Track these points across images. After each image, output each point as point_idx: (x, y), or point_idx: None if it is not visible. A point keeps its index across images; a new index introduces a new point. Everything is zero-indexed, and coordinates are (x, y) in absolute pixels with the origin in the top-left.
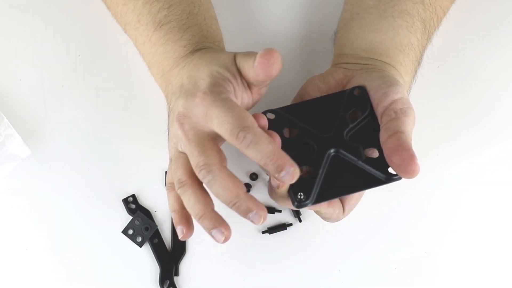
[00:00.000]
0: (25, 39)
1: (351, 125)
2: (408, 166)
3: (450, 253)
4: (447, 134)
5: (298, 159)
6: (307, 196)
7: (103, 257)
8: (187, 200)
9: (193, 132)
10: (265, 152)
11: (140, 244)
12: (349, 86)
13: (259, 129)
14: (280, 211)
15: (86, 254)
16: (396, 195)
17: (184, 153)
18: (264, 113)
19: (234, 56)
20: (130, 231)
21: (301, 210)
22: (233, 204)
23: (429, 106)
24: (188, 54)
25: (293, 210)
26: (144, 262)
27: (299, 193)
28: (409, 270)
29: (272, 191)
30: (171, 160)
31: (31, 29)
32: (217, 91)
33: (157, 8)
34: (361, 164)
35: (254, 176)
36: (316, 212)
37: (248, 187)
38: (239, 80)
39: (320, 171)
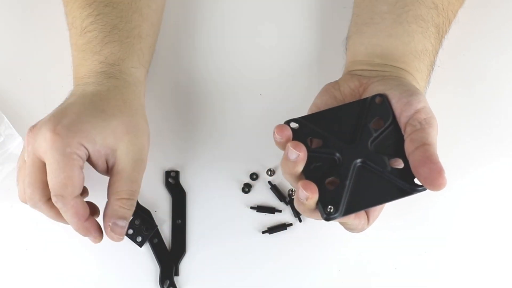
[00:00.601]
0: (25, 39)
1: (374, 135)
2: (436, 180)
3: (450, 253)
4: (447, 135)
5: (324, 171)
6: (336, 209)
7: (103, 257)
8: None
9: (33, 156)
10: (69, 221)
11: (140, 244)
12: (366, 94)
13: (72, 202)
14: (280, 211)
15: (86, 254)
16: None
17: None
18: (287, 122)
19: (115, 150)
20: (130, 231)
21: None
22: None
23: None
24: (102, 73)
25: (293, 210)
26: (144, 262)
27: (329, 206)
28: (409, 270)
29: (299, 203)
30: (24, 148)
31: (31, 29)
32: (67, 141)
33: (85, 14)
34: (387, 174)
35: (254, 176)
36: (342, 223)
37: (248, 187)
38: (101, 163)
39: (347, 182)
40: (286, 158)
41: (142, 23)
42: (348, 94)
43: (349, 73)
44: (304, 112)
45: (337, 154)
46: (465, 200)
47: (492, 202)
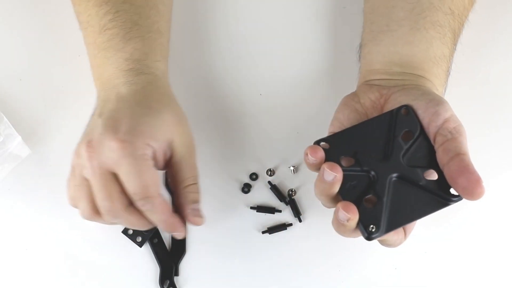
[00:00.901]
0: (25, 39)
1: (405, 147)
2: (475, 189)
3: (450, 253)
4: None
5: (360, 189)
6: (377, 227)
7: (103, 257)
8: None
9: (101, 171)
10: (157, 220)
11: (140, 244)
12: (388, 105)
13: (158, 200)
14: (280, 211)
15: (86, 254)
16: None
17: (87, 182)
18: (317, 142)
19: (172, 142)
20: (130, 231)
21: (301, 210)
22: None
23: None
24: (129, 71)
25: (293, 210)
26: (144, 262)
27: (371, 226)
28: (409, 270)
29: (339, 225)
30: (73, 169)
31: (31, 29)
32: (136, 145)
33: (104, 12)
34: (422, 187)
35: (254, 176)
36: (381, 241)
37: (248, 187)
38: (161, 159)
39: (385, 199)
40: (321, 180)
41: (160, 19)
42: (369, 106)
43: (367, 83)
44: (306, 114)
45: (372, 172)
46: (466, 200)
47: (492, 202)
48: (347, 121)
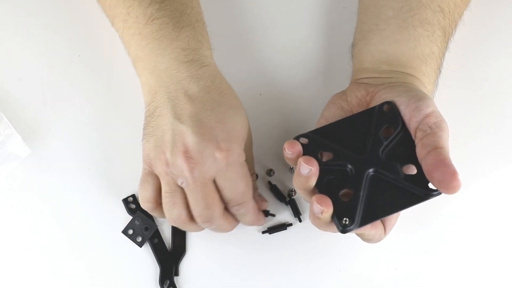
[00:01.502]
0: (25, 39)
1: (385, 143)
2: (450, 182)
3: (450, 253)
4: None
5: (337, 183)
6: (351, 221)
7: (103, 257)
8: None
9: (203, 181)
10: (248, 221)
11: (140, 244)
12: (373, 103)
13: (251, 203)
14: (274, 215)
15: (86, 254)
16: None
17: (182, 189)
18: (297, 138)
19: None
20: (130, 231)
21: (301, 210)
22: None
23: None
24: (190, 63)
25: (293, 210)
26: (144, 262)
27: (344, 219)
28: (409, 270)
29: (314, 218)
30: (149, 174)
31: (31, 29)
32: (236, 152)
33: (148, 2)
34: (400, 182)
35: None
36: (359, 235)
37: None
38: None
39: (361, 193)
40: (298, 173)
41: (200, 10)
42: (355, 104)
43: (356, 82)
44: (306, 114)
45: (349, 166)
46: (465, 200)
47: (492, 202)
48: (332, 118)
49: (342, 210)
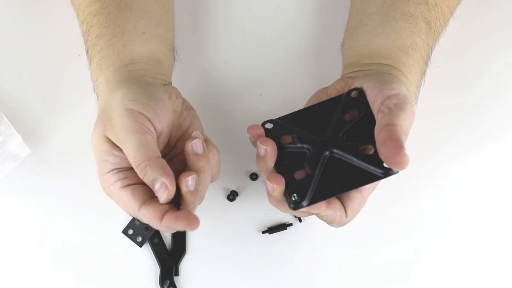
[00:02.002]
0: (25, 39)
1: (347, 126)
2: (396, 157)
3: (450, 253)
4: (448, 134)
5: (294, 164)
6: (301, 197)
7: (103, 257)
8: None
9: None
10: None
11: (140, 244)
12: None
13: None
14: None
15: (86, 254)
16: (396, 196)
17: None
18: (263, 123)
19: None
20: (130, 231)
21: None
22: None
23: (429, 106)
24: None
25: None
26: (144, 262)
27: (293, 195)
28: (409, 270)
29: (269, 196)
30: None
31: (31, 29)
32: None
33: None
34: (356, 161)
35: (254, 176)
36: (318, 216)
37: (233, 194)
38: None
39: (316, 172)
40: (257, 155)
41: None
42: (333, 95)
43: (342, 78)
44: None
45: (308, 147)
46: (466, 200)
47: (492, 202)
48: None
49: (295, 188)
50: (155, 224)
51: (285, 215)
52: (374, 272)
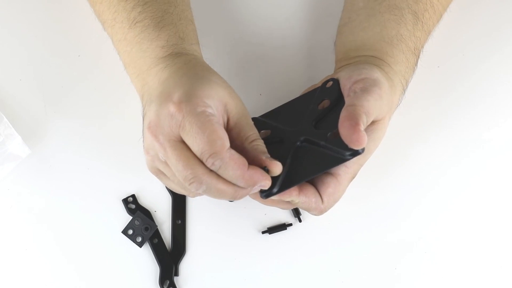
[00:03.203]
0: (25, 39)
1: (318, 115)
2: (353, 134)
3: (450, 253)
4: (447, 134)
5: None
6: (272, 185)
7: (103, 257)
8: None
9: (169, 143)
10: (233, 176)
11: (140, 244)
12: None
13: (227, 154)
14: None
15: (86, 254)
16: (396, 196)
17: (166, 163)
18: None
19: (226, 105)
20: (130, 231)
21: (301, 210)
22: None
23: (429, 106)
24: (168, 56)
25: (293, 210)
26: (144, 262)
27: None
28: (409, 270)
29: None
30: (151, 168)
31: (31, 29)
32: (194, 102)
33: (132, 5)
34: (325, 146)
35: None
36: (296, 205)
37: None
38: (221, 120)
39: (287, 161)
40: None
41: (186, 7)
42: None
43: (333, 73)
44: None
45: (281, 139)
46: (466, 200)
47: (492, 202)
48: None
49: None
50: (236, 171)
51: (285, 215)
52: (374, 272)
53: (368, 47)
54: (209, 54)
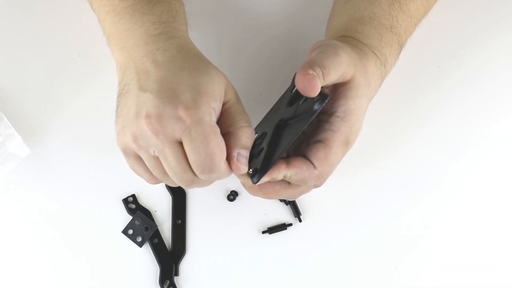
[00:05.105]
0: (25, 39)
1: (289, 95)
2: (304, 81)
3: (450, 253)
4: (447, 133)
5: (256, 149)
6: (255, 170)
7: (103, 257)
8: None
9: (170, 144)
10: (223, 177)
11: (140, 244)
12: None
13: (224, 166)
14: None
15: (86, 254)
16: (396, 196)
17: (157, 159)
18: None
19: (225, 89)
20: (130, 231)
21: (301, 210)
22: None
23: (429, 105)
24: (159, 36)
25: (293, 210)
26: (144, 262)
27: (250, 169)
28: (409, 270)
29: (245, 187)
30: (129, 156)
31: (31, 29)
32: (202, 110)
33: None
34: (296, 115)
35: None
36: (290, 180)
37: (233, 195)
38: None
39: (266, 141)
40: None
41: None
42: None
43: None
44: None
45: (265, 131)
46: (466, 200)
47: (492, 202)
48: None
49: (254, 165)
50: (227, 175)
51: (285, 215)
52: (374, 272)
53: (342, 29)
54: (209, 54)
